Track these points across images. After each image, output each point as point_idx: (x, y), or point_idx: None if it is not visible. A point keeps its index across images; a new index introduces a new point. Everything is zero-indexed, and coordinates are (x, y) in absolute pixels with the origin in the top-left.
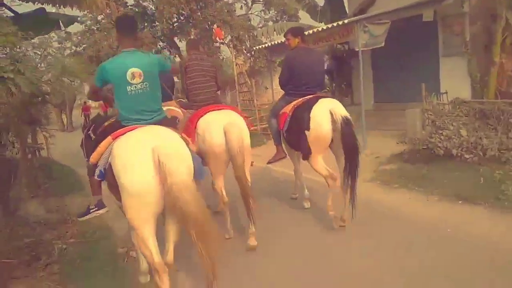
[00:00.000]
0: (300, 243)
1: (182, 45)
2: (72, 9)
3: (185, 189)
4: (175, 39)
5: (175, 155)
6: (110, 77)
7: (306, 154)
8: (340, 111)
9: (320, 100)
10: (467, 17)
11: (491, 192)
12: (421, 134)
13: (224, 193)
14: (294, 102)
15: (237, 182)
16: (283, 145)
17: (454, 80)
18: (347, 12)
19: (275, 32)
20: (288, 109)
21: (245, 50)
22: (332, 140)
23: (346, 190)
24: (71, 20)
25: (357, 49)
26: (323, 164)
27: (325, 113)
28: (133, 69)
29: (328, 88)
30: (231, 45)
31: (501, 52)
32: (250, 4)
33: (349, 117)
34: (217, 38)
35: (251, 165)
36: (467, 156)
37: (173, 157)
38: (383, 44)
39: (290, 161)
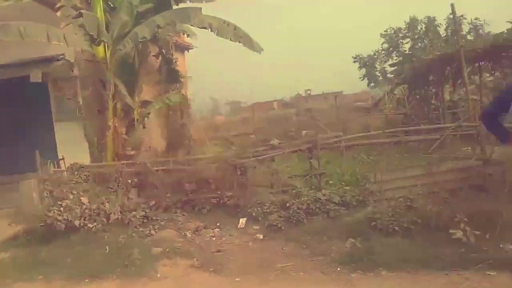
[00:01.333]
0: None
1: None
2: None
3: None
4: None
5: None
6: None
7: None
8: None
9: None
10: (78, 81)
11: (118, 260)
12: (40, 209)
13: None
14: None
15: None
16: None
17: (71, 145)
18: None
19: None
20: None
21: None
22: None
23: None
24: None
25: None
26: None
27: None
28: None
29: None
30: None
31: (114, 117)
32: None
33: None
34: None
35: None
36: (90, 225)
37: None
38: None
39: None
